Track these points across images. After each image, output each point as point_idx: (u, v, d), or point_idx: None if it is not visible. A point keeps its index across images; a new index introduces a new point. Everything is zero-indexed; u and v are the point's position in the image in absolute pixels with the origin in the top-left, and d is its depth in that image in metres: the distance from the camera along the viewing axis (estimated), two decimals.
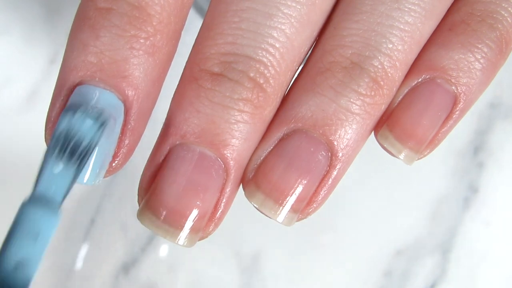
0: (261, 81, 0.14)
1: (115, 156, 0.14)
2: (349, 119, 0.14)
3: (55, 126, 0.14)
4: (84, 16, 0.14)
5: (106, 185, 0.29)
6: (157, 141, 0.15)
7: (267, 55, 0.14)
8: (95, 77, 0.13)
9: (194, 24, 0.17)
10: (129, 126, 0.14)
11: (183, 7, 0.14)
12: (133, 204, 0.29)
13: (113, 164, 0.14)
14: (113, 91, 0.14)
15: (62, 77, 0.14)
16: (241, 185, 0.15)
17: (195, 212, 0.14)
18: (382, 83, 0.14)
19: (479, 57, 0.15)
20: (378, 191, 0.28)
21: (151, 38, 0.14)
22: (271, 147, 0.15)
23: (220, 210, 0.15)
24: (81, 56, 0.13)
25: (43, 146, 0.14)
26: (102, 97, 0.13)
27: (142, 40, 0.13)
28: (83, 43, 0.13)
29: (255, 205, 0.14)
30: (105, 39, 0.13)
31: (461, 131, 0.29)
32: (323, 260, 0.28)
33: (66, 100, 0.14)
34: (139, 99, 0.14)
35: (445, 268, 0.28)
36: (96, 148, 0.13)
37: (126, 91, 0.14)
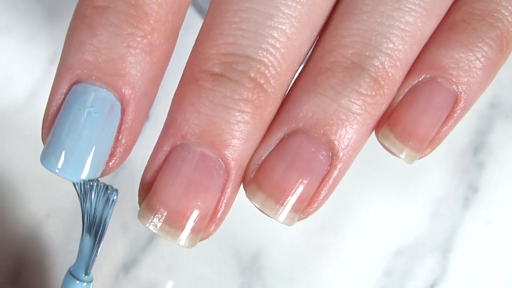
0: (262, 81, 0.14)
1: (111, 155, 0.14)
2: (350, 119, 0.14)
3: (52, 125, 0.14)
4: (81, 14, 0.14)
5: None
6: (157, 141, 0.15)
7: (268, 55, 0.14)
8: (92, 76, 0.13)
9: (194, 24, 0.17)
10: (126, 125, 0.14)
11: (180, 5, 0.14)
12: (133, 204, 0.29)
13: (110, 164, 0.14)
14: (109, 90, 0.14)
15: (59, 76, 0.14)
16: (241, 185, 0.15)
17: (196, 213, 0.14)
18: (382, 82, 0.14)
19: (480, 56, 0.14)
20: (378, 191, 0.28)
21: (148, 37, 0.13)
22: (272, 147, 0.15)
23: (221, 211, 0.15)
24: (78, 54, 0.13)
25: (42, 146, 0.14)
26: (98, 95, 0.13)
27: (139, 39, 0.13)
28: (80, 42, 0.13)
29: (256, 205, 0.14)
30: (102, 37, 0.13)
31: (461, 131, 0.28)
32: (323, 260, 0.28)
33: (63, 99, 0.14)
34: (136, 98, 0.14)
35: (445, 268, 0.28)
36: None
37: (123, 90, 0.14)
